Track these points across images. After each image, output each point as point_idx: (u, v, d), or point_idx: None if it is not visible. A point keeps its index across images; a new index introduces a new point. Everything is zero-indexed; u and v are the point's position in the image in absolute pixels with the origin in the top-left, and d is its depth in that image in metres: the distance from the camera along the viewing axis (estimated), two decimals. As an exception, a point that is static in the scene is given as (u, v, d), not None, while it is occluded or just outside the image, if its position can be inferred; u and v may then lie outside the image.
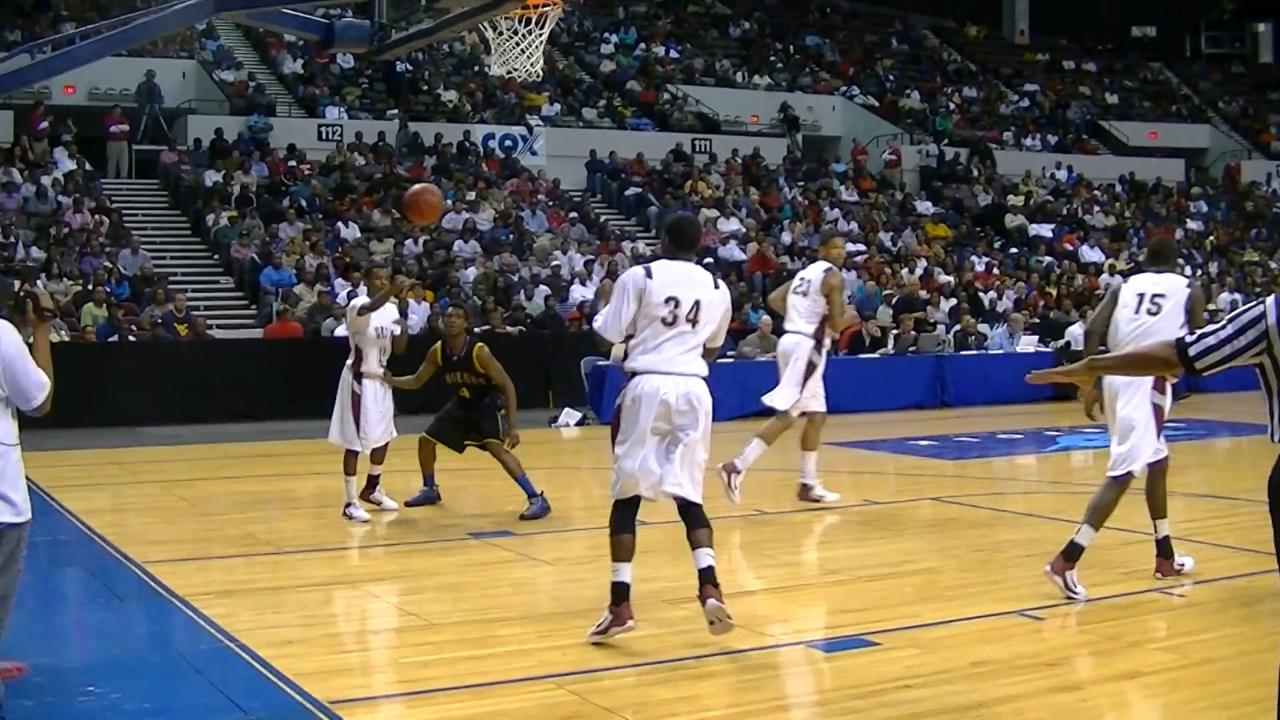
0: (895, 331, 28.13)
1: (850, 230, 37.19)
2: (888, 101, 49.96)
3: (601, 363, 24.09)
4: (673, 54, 49.13)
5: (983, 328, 29.99)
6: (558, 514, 14.62)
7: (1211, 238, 45.10)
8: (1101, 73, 59.53)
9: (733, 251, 33.76)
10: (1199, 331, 5.37)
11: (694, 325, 8.85)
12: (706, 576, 8.76)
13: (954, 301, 31.89)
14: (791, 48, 53.06)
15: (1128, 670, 8.23)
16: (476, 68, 41.76)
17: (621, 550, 9.04)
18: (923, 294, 31.88)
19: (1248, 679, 7.90)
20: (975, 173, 45.75)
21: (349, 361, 14.20)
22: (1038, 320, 31.92)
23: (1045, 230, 41.61)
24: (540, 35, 13.34)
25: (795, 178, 41.74)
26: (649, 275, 8.90)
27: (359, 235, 31.60)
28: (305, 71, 41.01)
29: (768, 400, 14.96)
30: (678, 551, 12.26)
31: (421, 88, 41.71)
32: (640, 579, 10.92)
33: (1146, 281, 10.96)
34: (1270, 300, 5.22)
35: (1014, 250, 39.41)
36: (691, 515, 9.01)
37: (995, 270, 36.40)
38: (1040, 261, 38.04)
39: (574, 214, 36.18)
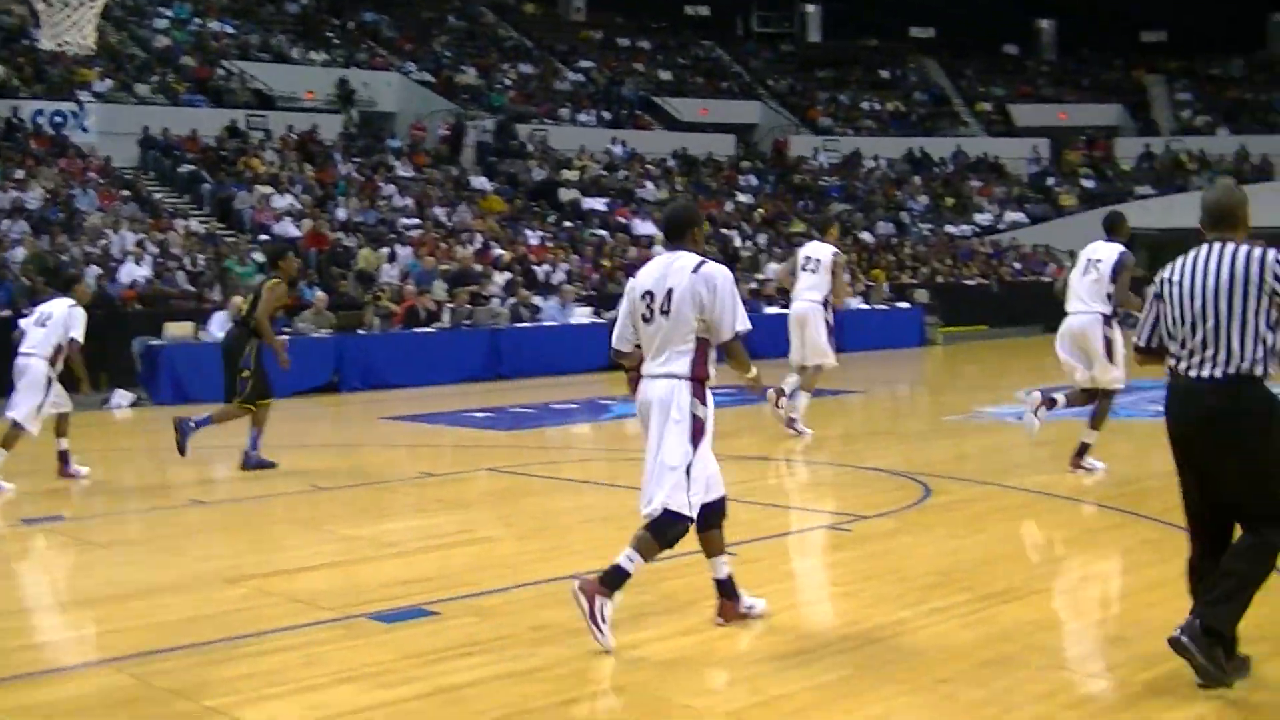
0: (450, 305, 28.31)
1: (406, 206, 37.32)
2: (444, 77, 50.12)
3: (155, 343, 23.79)
4: (228, 29, 48.37)
5: (537, 300, 30.39)
6: (111, 496, 14.53)
7: (760, 210, 46.49)
8: (655, 50, 60.74)
9: (287, 228, 33.50)
10: None
11: (666, 317, 8.15)
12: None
13: (509, 275, 32.22)
14: (349, 23, 52.80)
15: (682, 628, 8.55)
16: (25, 40, 40.44)
17: (704, 548, 8.57)
18: (478, 268, 32.14)
19: (801, 630, 8.45)
20: (529, 148, 46.24)
21: (47, 353, 15.13)
22: (593, 292, 32.49)
23: (599, 204, 42.33)
24: (93, 8, 13.23)
25: (351, 154, 41.54)
26: (635, 275, 8.57)
27: (-101, 213, 30.50)
28: None
29: (813, 358, 17.99)
30: (234, 530, 12.37)
31: (-34, 60, 40.37)
32: (199, 557, 11.00)
33: (1092, 249, 14.20)
34: None
35: (568, 224, 40.00)
36: (654, 522, 8.24)
37: (549, 244, 36.91)
38: (594, 235, 38.69)
39: (126, 192, 35.38)
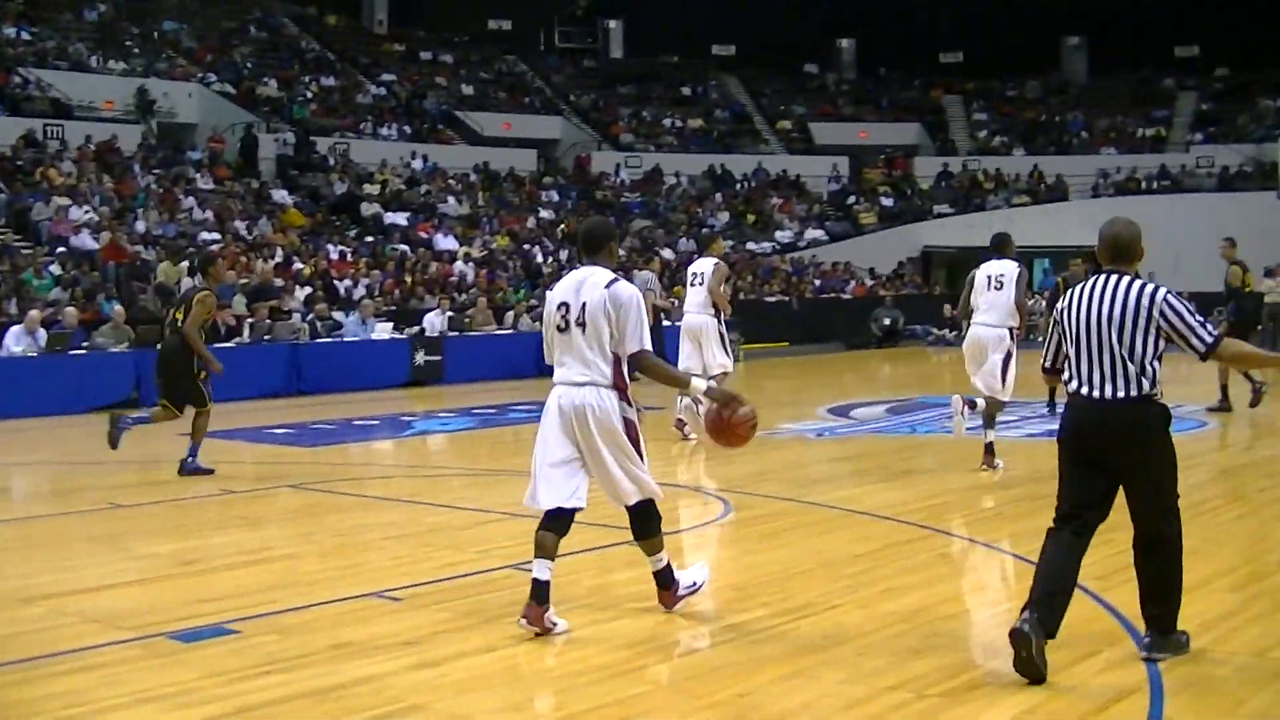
0: (250, 320, 28.07)
1: (206, 219, 36.91)
2: (245, 89, 49.61)
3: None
4: (24, 36, 47.44)
5: (338, 315, 30.23)
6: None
7: (562, 226, 46.55)
8: (458, 64, 60.62)
9: (85, 240, 32.99)
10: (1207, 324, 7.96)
11: (582, 329, 8.75)
12: (660, 579, 9.35)
13: (309, 289, 32.03)
14: (149, 32, 52.02)
15: (483, 645, 8.54)
16: None
17: (537, 548, 8.87)
18: (278, 282, 31.88)
19: (599, 646, 8.50)
20: (331, 161, 45.96)
21: None
22: (393, 308, 32.40)
23: (400, 218, 42.17)
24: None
25: (150, 165, 40.94)
26: (550, 288, 9.33)
27: None
28: None
29: (715, 368, 19.15)
30: (30, 549, 12.20)
31: None
32: (-8, 577, 10.81)
33: (991, 267, 15.88)
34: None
35: (369, 238, 39.78)
36: (639, 514, 9.24)
37: (350, 258, 36.70)
38: (395, 249, 38.54)
39: (-87, 202, 34.66)
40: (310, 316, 29.38)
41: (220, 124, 46.09)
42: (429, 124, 53.39)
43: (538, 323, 32.64)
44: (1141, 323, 7.80)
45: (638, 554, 11.01)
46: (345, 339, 28.94)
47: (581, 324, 8.73)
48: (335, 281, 33.66)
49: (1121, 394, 7.82)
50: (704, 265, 19.52)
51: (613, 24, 68.20)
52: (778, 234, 52.68)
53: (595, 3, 66.62)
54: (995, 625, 8.81)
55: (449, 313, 31.01)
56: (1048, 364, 8.43)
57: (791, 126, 62.65)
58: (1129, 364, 7.83)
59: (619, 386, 8.81)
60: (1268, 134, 53.81)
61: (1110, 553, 10.82)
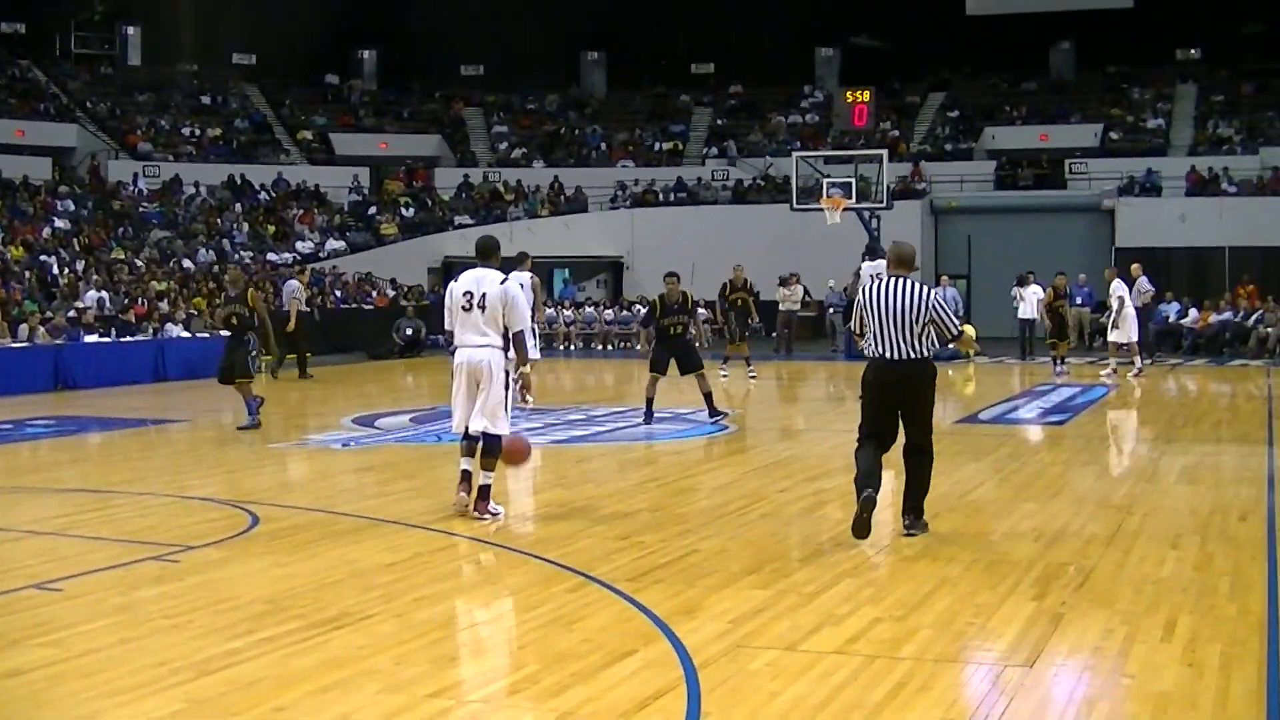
0: None
1: None
2: None
3: None
4: None
5: None
6: None
7: (80, 236, 45.44)
8: (-35, 70, 58.58)
9: None
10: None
11: (483, 310, 13.06)
12: (480, 492, 13.24)
13: None
14: None
15: (9, 669, 8.26)
16: None
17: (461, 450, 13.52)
18: None
19: (130, 665, 8.29)
20: None
21: None
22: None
23: (-93, 231, 40.56)
24: None
25: None
26: (454, 280, 13.60)
27: None
28: None
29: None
30: None
31: None
32: None
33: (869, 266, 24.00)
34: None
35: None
36: (486, 444, 13.16)
37: None
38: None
39: None
40: None
41: None
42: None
43: (51, 336, 31.75)
44: (921, 311, 11.89)
45: (166, 569, 10.91)
46: None
47: (482, 307, 13.04)
48: None
49: (908, 355, 11.94)
50: (519, 278, 21.19)
51: (131, 30, 66.54)
52: (298, 245, 52.33)
53: (113, 8, 65.03)
54: (529, 630, 9.02)
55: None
56: (856, 329, 12.58)
57: (312, 137, 62.22)
58: (912, 336, 11.93)
59: (504, 349, 13.17)
60: (779, 148, 55.69)
61: (639, 555, 11.15)
